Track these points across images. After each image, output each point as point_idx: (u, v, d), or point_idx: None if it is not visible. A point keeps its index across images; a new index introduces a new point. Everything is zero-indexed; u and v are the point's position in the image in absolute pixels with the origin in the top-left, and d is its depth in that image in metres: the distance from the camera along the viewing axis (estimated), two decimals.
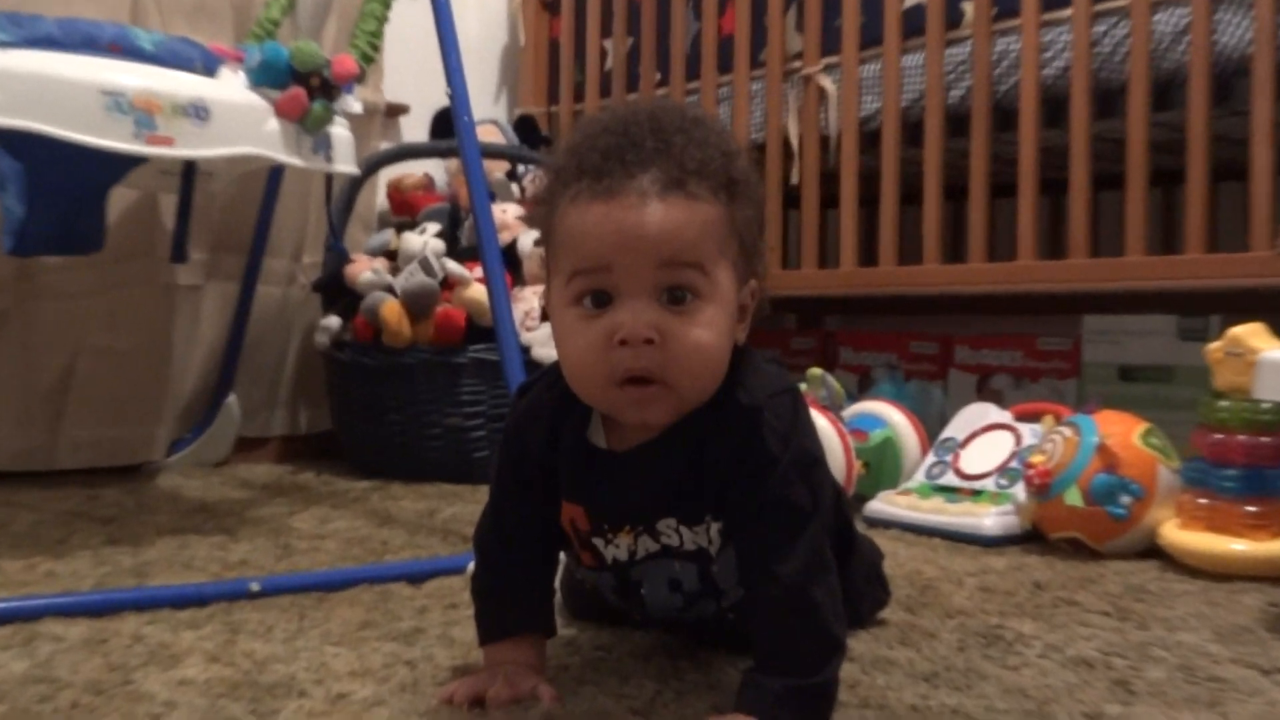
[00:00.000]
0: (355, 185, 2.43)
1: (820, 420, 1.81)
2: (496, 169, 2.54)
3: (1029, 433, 1.81)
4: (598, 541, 1.01)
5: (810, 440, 0.95)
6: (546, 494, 1.00)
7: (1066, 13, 1.96)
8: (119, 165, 1.81)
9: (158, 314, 2.28)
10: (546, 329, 2.16)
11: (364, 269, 2.27)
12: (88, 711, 0.94)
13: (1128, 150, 1.89)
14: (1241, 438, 1.49)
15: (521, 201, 2.52)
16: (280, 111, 1.62)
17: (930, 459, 1.90)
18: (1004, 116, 2.07)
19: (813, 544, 0.91)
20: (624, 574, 1.02)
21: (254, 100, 1.61)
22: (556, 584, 1.10)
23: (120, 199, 2.15)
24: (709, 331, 0.89)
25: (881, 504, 1.81)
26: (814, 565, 0.91)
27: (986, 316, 2.67)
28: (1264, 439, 1.48)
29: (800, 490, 0.92)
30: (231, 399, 2.40)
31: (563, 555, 1.09)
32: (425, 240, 2.29)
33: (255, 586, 1.29)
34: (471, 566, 1.05)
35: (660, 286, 0.88)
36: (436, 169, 2.75)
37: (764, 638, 0.91)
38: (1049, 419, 1.76)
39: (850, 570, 1.09)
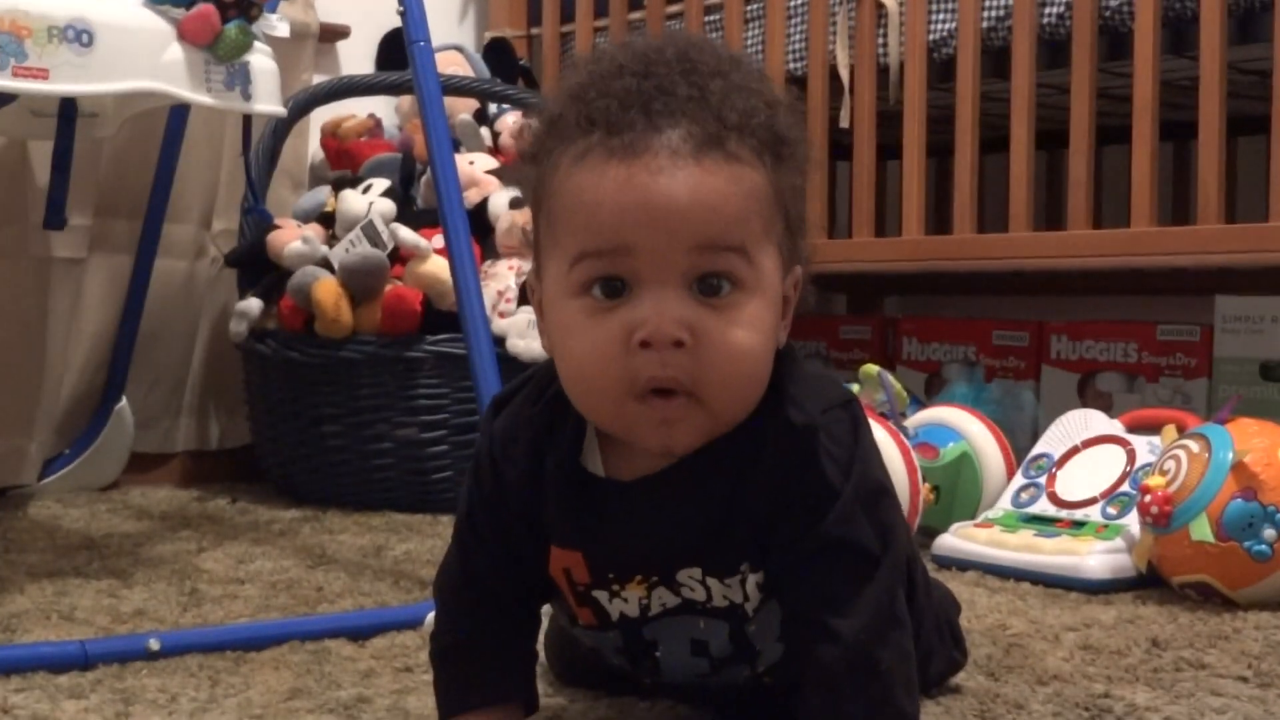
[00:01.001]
0: (281, 130, 2.43)
1: (877, 432, 1.81)
2: (461, 109, 2.54)
3: (1145, 447, 1.81)
4: (600, 595, 1.00)
5: (875, 466, 0.96)
6: (530, 536, 1.00)
7: None
8: None
9: (27, 295, 2.28)
10: (525, 314, 2.16)
11: (291, 238, 2.28)
12: None
13: (1274, 84, 1.89)
14: None
15: (493, 151, 2.53)
16: (185, 35, 1.62)
17: (1018, 481, 1.90)
18: (1114, 41, 2.07)
19: (882, 595, 0.92)
20: (634, 633, 1.02)
21: (151, 21, 1.61)
22: (539, 643, 1.10)
23: None
24: (752, 332, 0.89)
25: (955, 539, 1.81)
26: (883, 621, 0.91)
27: (1091, 298, 2.67)
28: None
29: (865, 529, 0.92)
30: (123, 405, 2.41)
31: (549, 605, 1.09)
32: (370, 201, 2.30)
33: (154, 644, 1.29)
34: (431, 618, 1.05)
35: (692, 274, 0.87)
36: (385, 109, 2.75)
37: (814, 712, 0.91)
38: (1170, 430, 1.76)
39: (915, 621, 1.09)
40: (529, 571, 1.01)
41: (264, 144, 2.40)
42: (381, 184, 2.36)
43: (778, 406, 0.93)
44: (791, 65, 2.43)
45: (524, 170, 0.95)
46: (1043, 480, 1.86)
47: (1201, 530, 1.56)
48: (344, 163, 2.55)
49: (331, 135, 2.60)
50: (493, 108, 2.63)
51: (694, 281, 0.87)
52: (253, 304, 2.31)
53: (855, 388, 1.97)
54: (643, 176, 0.86)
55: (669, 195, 0.86)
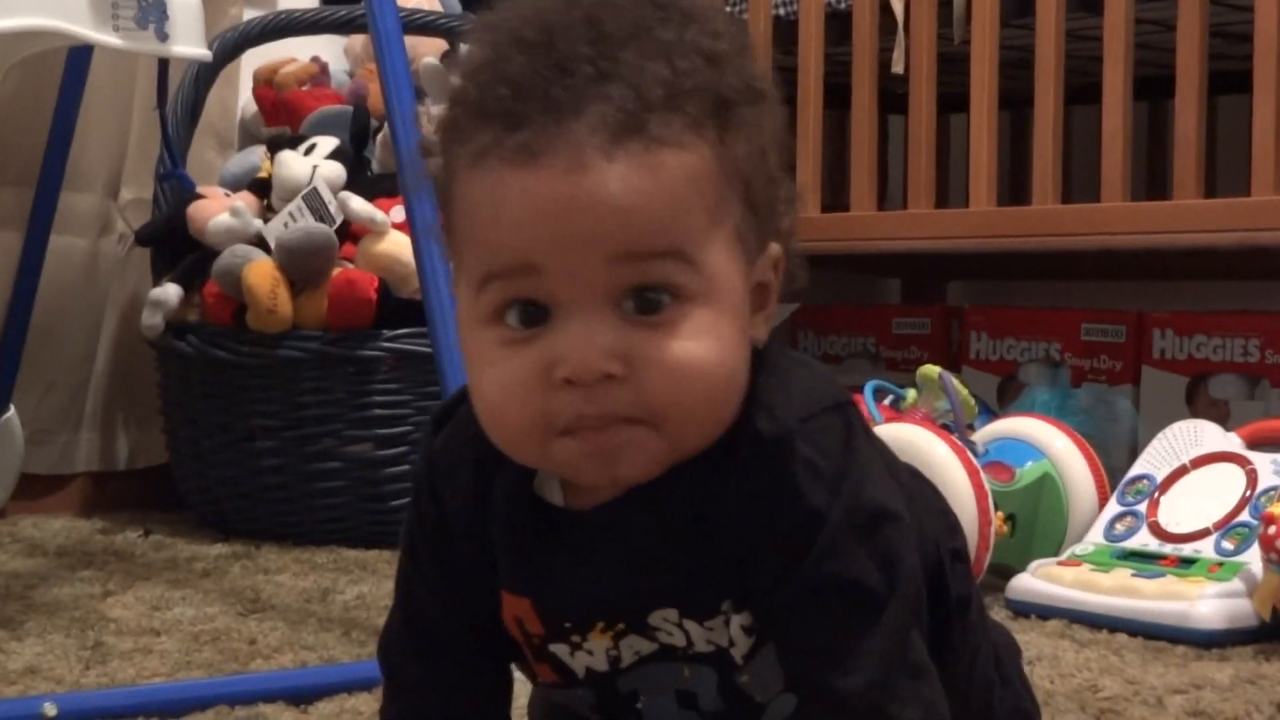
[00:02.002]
0: (204, 78, 2.44)
1: (938, 448, 1.81)
2: (426, 51, 2.54)
3: (1269, 467, 1.81)
4: (559, 649, 1.00)
5: (875, 483, 0.94)
6: (482, 579, 1.00)
7: None
8: None
9: None
10: None
11: (218, 210, 2.28)
12: None
13: None
14: None
15: None
16: None
17: (1113, 509, 1.90)
18: None
19: (892, 641, 0.91)
20: (607, 688, 1.02)
21: None
22: (521, 705, 1.10)
23: None
24: (704, 344, 0.87)
25: (1035, 580, 1.81)
26: (896, 673, 0.90)
27: (1202, 284, 2.68)
28: None
29: (863, 561, 0.90)
30: (10, 416, 2.41)
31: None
32: (314, 164, 2.30)
33: (50, 709, 1.29)
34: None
35: (619, 290, 0.86)
36: (333, 51, 2.76)
37: None
38: None
39: (964, 667, 1.08)
40: (486, 622, 1.01)
41: (184, 95, 2.41)
42: (328, 144, 2.37)
43: (749, 416, 0.92)
44: None
45: (429, 161, 0.94)
46: (1143, 508, 1.87)
47: None
48: (282, 118, 2.55)
49: (266, 84, 2.60)
50: (464, 49, 2.63)
51: (624, 298, 0.86)
52: (170, 291, 2.31)
53: (912, 394, 1.97)
54: (545, 183, 0.84)
55: (579, 202, 0.84)
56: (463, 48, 0.92)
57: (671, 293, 0.86)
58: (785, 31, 2.48)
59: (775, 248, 0.94)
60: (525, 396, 0.87)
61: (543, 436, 0.88)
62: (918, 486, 1.06)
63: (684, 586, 0.95)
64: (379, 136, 2.42)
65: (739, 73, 0.89)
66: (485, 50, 0.89)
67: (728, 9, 2.57)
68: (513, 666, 1.06)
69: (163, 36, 1.71)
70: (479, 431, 0.95)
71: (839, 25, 2.43)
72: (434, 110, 0.94)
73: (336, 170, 2.29)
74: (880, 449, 0.98)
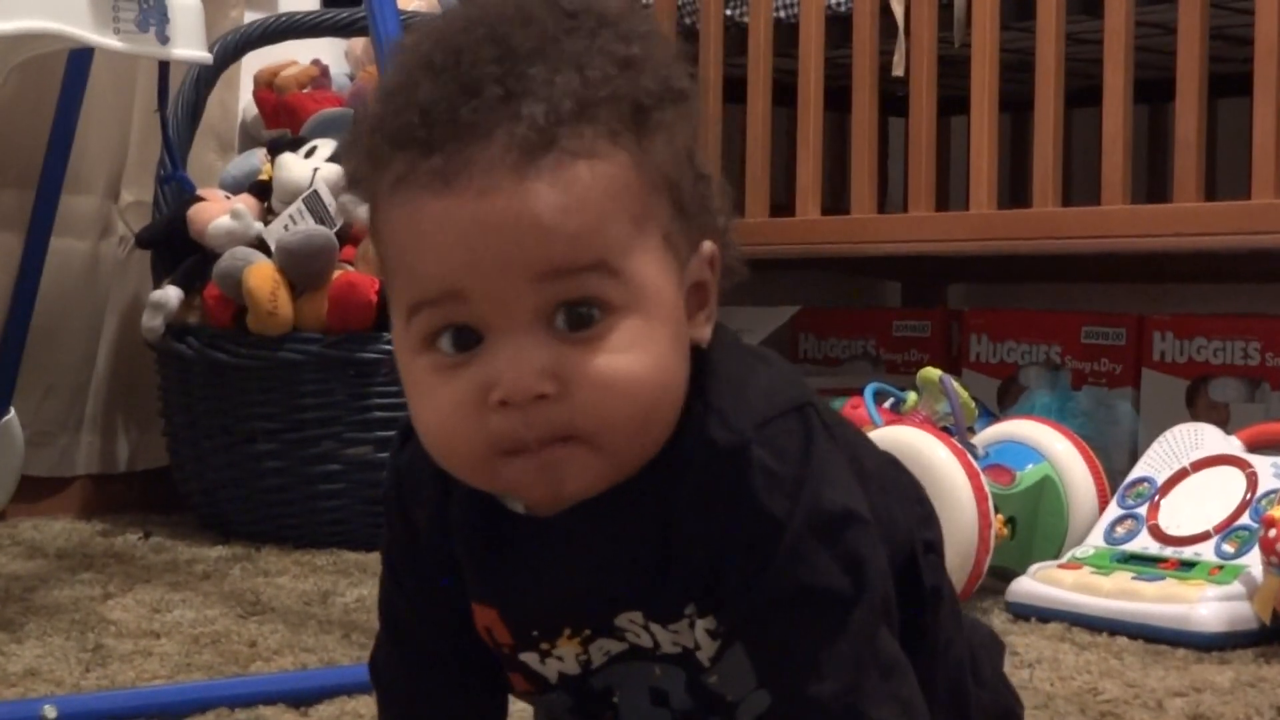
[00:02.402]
0: (205, 81, 2.44)
1: (939, 451, 1.81)
2: None
3: (1270, 470, 1.81)
4: (529, 658, 1.00)
5: (836, 486, 0.93)
6: (455, 592, 1.00)
7: None
8: None
9: None
10: None
11: (218, 212, 2.28)
12: None
13: None
14: None
15: None
16: None
17: (1113, 512, 1.90)
18: None
19: (862, 643, 0.91)
20: (582, 688, 1.02)
21: None
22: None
23: None
24: (637, 356, 0.87)
25: (1035, 583, 1.81)
26: (869, 673, 0.90)
27: (1203, 287, 2.68)
28: None
29: (827, 565, 0.90)
30: (10, 418, 2.41)
31: None
32: (315, 166, 2.30)
33: (50, 712, 1.29)
34: None
35: (548, 308, 0.86)
36: (333, 54, 2.76)
37: None
38: None
39: (935, 658, 1.07)
40: (467, 634, 1.01)
41: (184, 97, 2.41)
42: (329, 146, 2.37)
43: (700, 421, 0.91)
44: (834, 1, 2.43)
45: (353, 188, 0.93)
46: (1143, 511, 1.87)
47: None
48: (283, 120, 2.55)
49: (267, 86, 2.60)
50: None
51: (554, 315, 0.86)
52: (170, 294, 2.31)
53: (911, 397, 1.97)
54: (459, 208, 0.84)
55: (494, 224, 0.84)
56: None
57: (600, 306, 0.86)
58: (786, 34, 2.48)
59: (709, 245, 0.93)
60: (465, 422, 0.87)
61: (488, 459, 0.88)
62: (894, 476, 1.06)
63: (647, 591, 0.95)
64: None
65: (655, 75, 0.89)
66: (399, 75, 0.89)
67: (726, 11, 2.57)
68: None
69: (163, 39, 1.71)
70: None
71: (839, 28, 2.43)
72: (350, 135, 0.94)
73: (337, 173, 2.29)
74: (848, 443, 0.97)
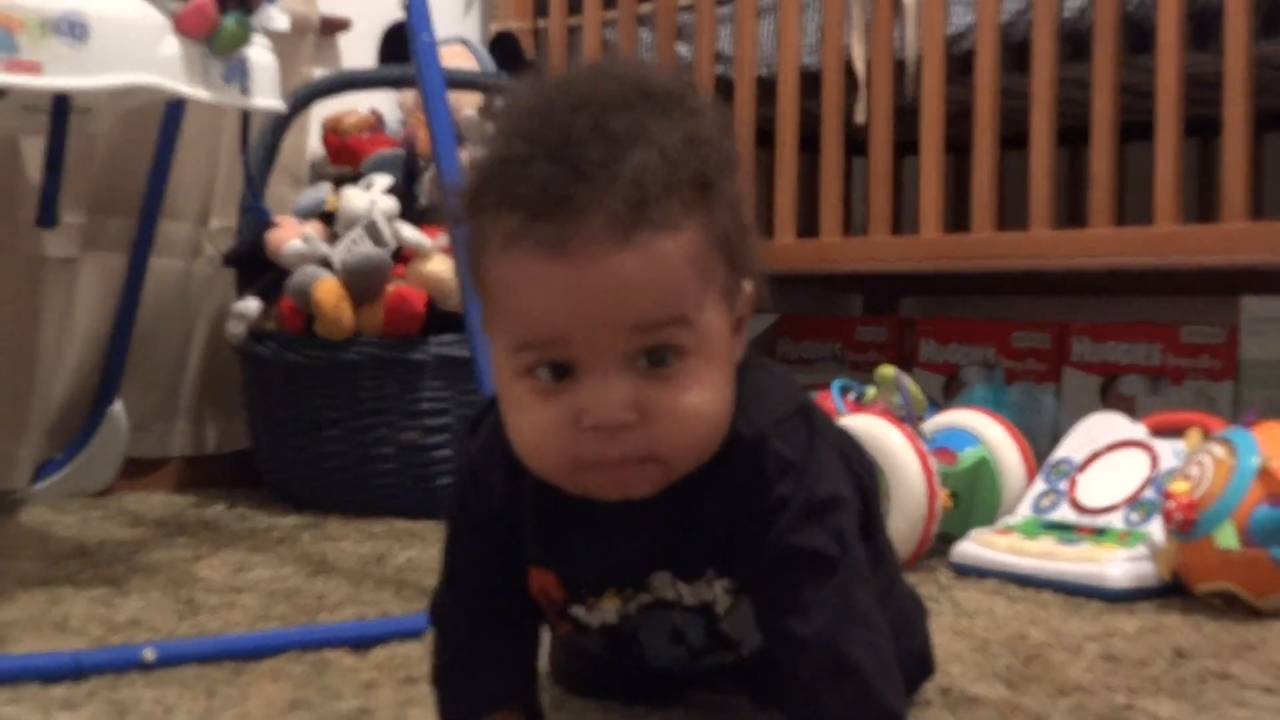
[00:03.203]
0: (280, 126, 2.44)
1: (893, 436, 1.81)
2: (466, 104, 2.55)
3: (1169, 452, 1.81)
4: (577, 610, 1.04)
5: (829, 475, 0.97)
6: (513, 555, 1.03)
7: None
8: None
9: (19, 295, 2.29)
10: None
11: (291, 236, 2.28)
12: None
13: None
14: None
15: None
16: (182, 28, 1.63)
17: (1039, 487, 1.90)
18: (1137, 35, 2.07)
19: (841, 594, 0.94)
20: (615, 632, 1.05)
21: (147, 13, 1.62)
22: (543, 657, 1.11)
23: None
24: (704, 392, 0.90)
25: (974, 546, 1.81)
26: (846, 618, 0.93)
27: (1113, 299, 2.68)
28: None
29: (819, 534, 0.94)
30: (117, 408, 2.41)
31: None
32: (372, 198, 2.30)
33: (150, 655, 1.29)
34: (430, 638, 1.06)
35: (635, 351, 0.88)
36: (387, 104, 2.76)
37: (800, 717, 0.92)
38: (1195, 434, 1.77)
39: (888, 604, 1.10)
40: (519, 589, 1.04)
41: (263, 140, 2.41)
42: (384, 181, 2.37)
43: (731, 421, 0.95)
44: (805, 60, 2.43)
45: (454, 227, 0.96)
46: (1064, 486, 1.87)
47: (1227, 537, 1.56)
48: (345, 159, 2.55)
49: (332, 131, 2.60)
50: (498, 103, 2.63)
51: (637, 357, 0.88)
52: (251, 304, 2.32)
53: (871, 391, 1.97)
54: (571, 272, 0.86)
55: (599, 287, 0.86)
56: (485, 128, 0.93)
57: (675, 350, 0.89)
58: (766, 89, 2.48)
59: (748, 285, 0.96)
60: (557, 440, 0.90)
61: (572, 470, 0.91)
62: (855, 452, 1.09)
63: (676, 556, 1.00)
64: (426, 175, 2.41)
65: (716, 148, 0.91)
66: (511, 145, 0.89)
67: (717, 70, 2.57)
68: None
69: (245, 91, 1.71)
70: (506, 441, 0.97)
71: (811, 83, 2.43)
72: (457, 184, 0.95)
73: (391, 203, 2.29)
74: (833, 436, 1.02)
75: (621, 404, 0.88)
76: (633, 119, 0.88)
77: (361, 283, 2.20)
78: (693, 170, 0.89)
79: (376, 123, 2.61)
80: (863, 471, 1.09)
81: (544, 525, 1.00)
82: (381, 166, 2.45)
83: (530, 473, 0.97)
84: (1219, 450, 1.63)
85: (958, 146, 2.50)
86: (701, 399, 0.90)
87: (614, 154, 0.87)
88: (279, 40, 1.85)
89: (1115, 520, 1.77)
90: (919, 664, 1.20)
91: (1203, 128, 2.37)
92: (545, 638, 1.10)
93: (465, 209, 0.92)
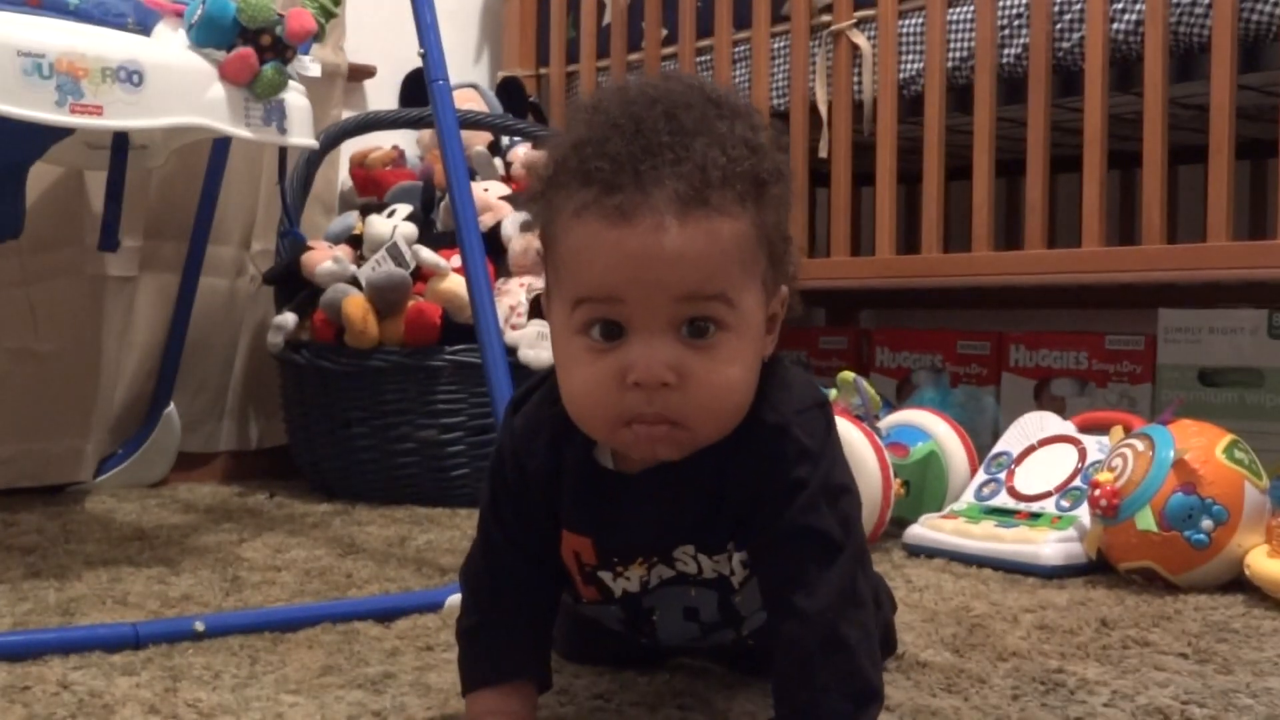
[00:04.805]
0: (313, 161, 2.44)
1: (853, 433, 1.81)
2: (477, 141, 2.55)
3: (1095, 446, 1.81)
4: (605, 575, 1.02)
5: (840, 466, 0.97)
6: (548, 523, 1.01)
7: None
8: (39, 138, 1.81)
9: (84, 310, 2.29)
10: (535, 327, 2.17)
11: (323, 258, 2.28)
12: None
13: (1211, 118, 1.89)
14: None
15: (506, 179, 2.53)
16: (226, 75, 1.63)
17: (980, 477, 1.91)
18: (1066, 79, 2.07)
19: (844, 577, 0.93)
20: (634, 604, 1.04)
21: (195, 62, 1.62)
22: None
23: (40, 177, 2.16)
24: (734, 368, 0.90)
25: (924, 529, 1.82)
26: (845, 601, 0.92)
27: (1046, 311, 2.68)
28: None
29: (829, 518, 0.94)
30: (170, 409, 2.41)
31: None
32: (394, 224, 2.30)
33: (200, 626, 1.29)
34: (451, 601, 1.06)
35: (679, 320, 0.88)
36: (407, 141, 2.76)
37: (786, 682, 0.92)
38: (1118, 430, 1.77)
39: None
40: (545, 556, 1.03)
41: (298, 173, 2.41)
42: (404, 209, 2.37)
43: (757, 407, 0.94)
44: (775, 101, 2.43)
45: (530, 205, 0.95)
46: (1003, 476, 1.87)
47: (1146, 521, 1.57)
48: (370, 190, 2.55)
49: (359, 165, 2.60)
50: (505, 140, 2.63)
51: (683, 325, 0.88)
52: (288, 318, 2.31)
53: (833, 393, 1.97)
54: (633, 238, 0.86)
55: (656, 254, 0.86)
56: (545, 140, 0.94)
57: (716, 324, 0.89)
58: None
59: (784, 289, 0.96)
60: (605, 394, 0.90)
61: (614, 424, 0.91)
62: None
63: (701, 530, 0.99)
64: (442, 204, 2.41)
65: (771, 159, 0.91)
66: (588, 130, 0.90)
67: None
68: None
69: (282, 130, 1.71)
70: (552, 414, 0.98)
71: (779, 121, 2.43)
72: (535, 163, 0.95)
73: (411, 229, 2.29)
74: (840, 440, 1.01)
75: (664, 364, 0.87)
76: (700, 115, 0.89)
77: (385, 299, 2.20)
78: (748, 167, 0.89)
79: (398, 158, 2.61)
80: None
81: (583, 493, 0.99)
82: (402, 196, 2.45)
83: (574, 445, 0.98)
84: (1139, 445, 1.63)
85: (909, 178, 2.51)
86: (732, 373, 0.90)
87: (682, 141, 0.87)
88: (312, 86, 1.85)
89: (1048, 506, 1.78)
90: (884, 640, 1.20)
91: (1124, 161, 2.38)
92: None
93: (542, 186, 0.92)
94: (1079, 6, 2.03)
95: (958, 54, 2.19)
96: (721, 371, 0.89)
